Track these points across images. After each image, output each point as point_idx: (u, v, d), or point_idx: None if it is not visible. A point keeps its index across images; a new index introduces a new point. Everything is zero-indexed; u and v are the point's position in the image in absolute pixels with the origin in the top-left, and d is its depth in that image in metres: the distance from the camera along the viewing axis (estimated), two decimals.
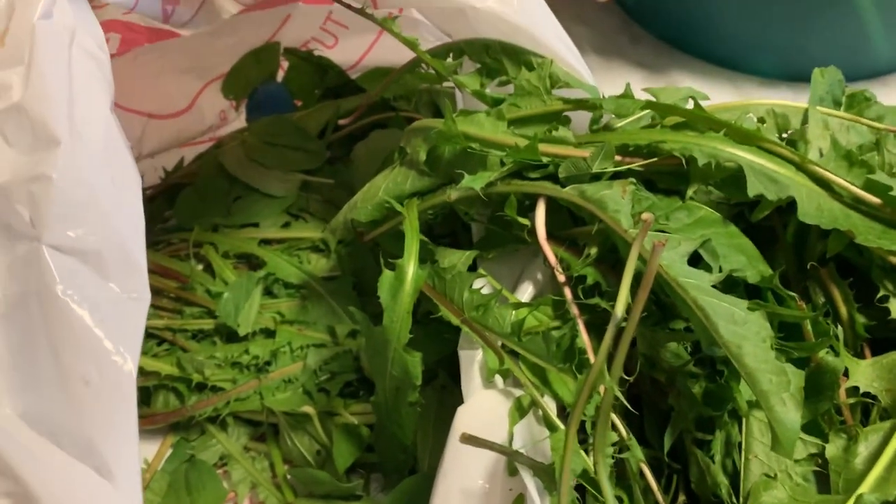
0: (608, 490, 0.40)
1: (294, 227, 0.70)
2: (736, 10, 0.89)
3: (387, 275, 0.49)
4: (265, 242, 0.69)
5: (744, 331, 0.39)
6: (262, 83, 0.75)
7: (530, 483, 0.40)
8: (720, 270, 0.45)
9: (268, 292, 0.66)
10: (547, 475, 0.41)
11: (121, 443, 0.32)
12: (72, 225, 0.34)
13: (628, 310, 0.37)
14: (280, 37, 0.72)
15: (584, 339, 0.46)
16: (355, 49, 0.74)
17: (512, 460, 0.41)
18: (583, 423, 0.46)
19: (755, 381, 0.37)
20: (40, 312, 0.33)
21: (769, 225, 0.52)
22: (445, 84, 0.70)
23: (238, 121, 0.77)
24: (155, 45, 0.63)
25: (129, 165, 0.36)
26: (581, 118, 0.55)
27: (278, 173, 0.72)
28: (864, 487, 0.39)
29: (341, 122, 0.69)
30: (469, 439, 0.39)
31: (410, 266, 0.49)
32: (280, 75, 0.76)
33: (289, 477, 0.59)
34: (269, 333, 0.64)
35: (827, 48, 0.89)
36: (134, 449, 0.32)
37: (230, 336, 0.64)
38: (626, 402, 0.42)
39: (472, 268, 0.54)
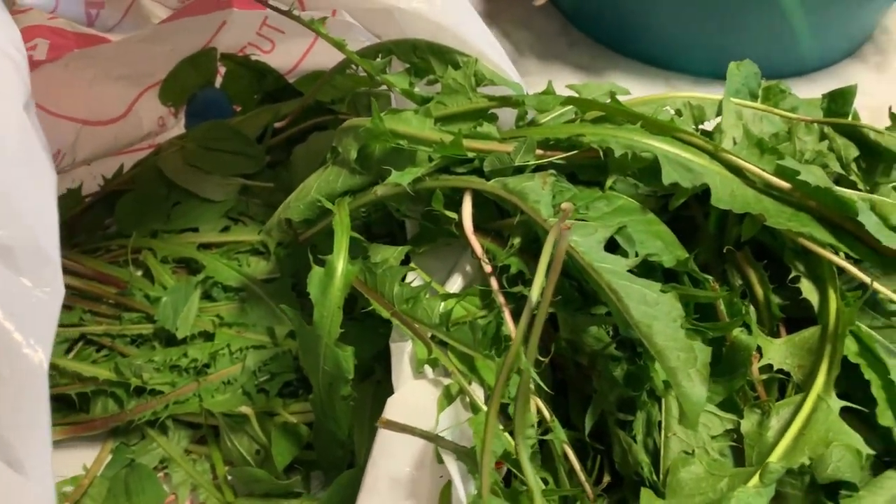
0: (529, 470, 0.41)
1: (233, 231, 0.70)
2: (669, 12, 0.92)
3: (316, 271, 0.50)
4: (204, 247, 0.69)
5: (655, 311, 0.41)
6: (201, 89, 0.75)
7: (453, 468, 0.41)
8: (637, 256, 0.46)
9: (207, 296, 0.66)
10: (470, 459, 0.42)
11: (32, 435, 0.32)
12: None
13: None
14: (216, 42, 0.72)
15: (510, 326, 0.47)
16: (292, 53, 0.75)
17: (437, 446, 0.42)
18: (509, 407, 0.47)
19: (664, 359, 0.39)
20: None
21: (691, 215, 0.54)
22: (383, 87, 0.71)
23: (177, 127, 0.77)
24: (87, 51, 0.63)
25: (43, 164, 0.36)
26: (508, 115, 0.57)
27: (217, 178, 0.72)
28: (773, 457, 0.41)
29: (278, 125, 0.69)
30: (389, 424, 0.39)
31: (340, 262, 0.50)
32: (218, 81, 0.76)
33: (229, 477, 0.59)
34: (208, 336, 0.64)
35: (755, 47, 0.92)
36: (46, 441, 0.32)
37: (169, 340, 0.64)
38: (542, 384, 0.43)
39: (406, 263, 0.55)
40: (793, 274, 0.48)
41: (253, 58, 0.75)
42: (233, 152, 0.73)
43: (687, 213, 0.54)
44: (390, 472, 0.44)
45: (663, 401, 0.45)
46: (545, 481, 0.46)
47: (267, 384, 0.61)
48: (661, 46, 0.95)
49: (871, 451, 0.41)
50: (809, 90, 0.77)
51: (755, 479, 0.39)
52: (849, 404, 0.43)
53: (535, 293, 0.41)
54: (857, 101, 0.63)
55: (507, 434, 0.43)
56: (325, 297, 0.49)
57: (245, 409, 0.58)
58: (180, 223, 0.70)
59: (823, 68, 0.97)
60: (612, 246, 0.47)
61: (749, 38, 0.92)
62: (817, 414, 0.42)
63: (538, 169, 0.51)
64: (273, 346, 0.63)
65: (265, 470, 0.57)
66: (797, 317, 0.49)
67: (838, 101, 0.61)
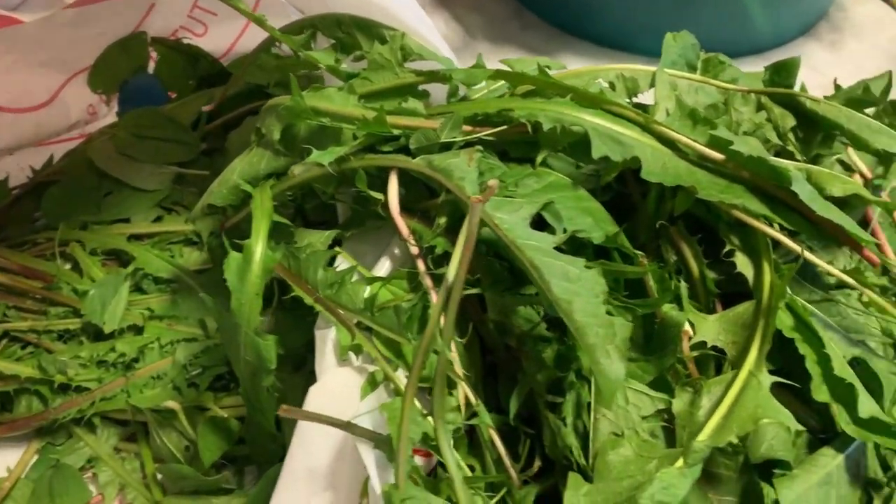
0: (449, 456, 0.39)
1: (166, 221, 0.68)
2: None
3: (233, 257, 0.47)
4: (136, 238, 0.67)
5: (576, 287, 0.39)
6: (132, 75, 0.73)
7: (368, 456, 0.39)
8: (564, 232, 0.44)
9: (138, 288, 0.64)
10: (388, 446, 0.40)
11: None
12: None
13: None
14: (146, 26, 0.70)
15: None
16: (226, 36, 0.72)
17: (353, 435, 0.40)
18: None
19: (583, 335, 0.37)
20: None
21: (628, 192, 0.53)
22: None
23: (110, 116, 0.74)
24: (3, 35, 0.60)
25: None
26: (441, 92, 0.55)
27: (150, 167, 0.69)
28: (701, 436, 0.39)
29: (206, 108, 0.67)
30: (289, 411, 0.37)
31: (258, 247, 0.48)
32: (151, 67, 0.74)
33: (158, 476, 0.57)
34: (138, 330, 0.61)
35: (710, 27, 0.91)
36: None
37: (97, 335, 0.61)
38: (464, 367, 0.41)
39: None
40: (727, 247, 0.46)
41: (185, 41, 0.72)
42: (166, 140, 0.70)
43: (626, 190, 0.53)
44: (308, 464, 0.42)
45: (592, 381, 0.44)
46: (472, 468, 0.44)
47: (198, 378, 0.59)
48: (615, 27, 0.94)
49: (801, 428, 0.39)
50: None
51: (681, 460, 0.37)
52: (780, 380, 0.41)
53: (451, 272, 0.39)
54: (810, 79, 0.62)
55: (428, 419, 0.41)
56: (243, 283, 0.47)
57: (172, 404, 0.56)
58: (111, 214, 0.68)
59: (778, 47, 0.96)
60: (543, 224, 0.45)
61: (703, 17, 0.91)
62: (747, 391, 0.40)
63: (467, 146, 0.49)
64: (205, 339, 0.61)
65: (195, 467, 0.55)
66: (734, 292, 0.47)
67: (781, 73, 0.59)
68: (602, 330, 0.37)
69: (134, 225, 0.67)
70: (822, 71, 0.91)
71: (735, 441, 0.38)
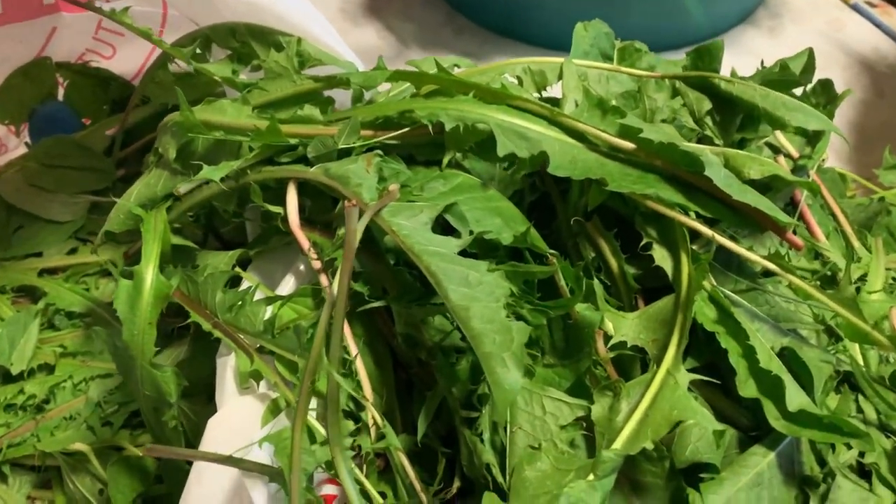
0: (348, 484, 0.36)
1: (81, 253, 0.64)
2: None
3: (123, 285, 0.44)
4: (49, 272, 0.63)
5: (475, 292, 0.36)
6: (41, 103, 0.69)
7: (257, 493, 0.36)
8: (471, 234, 0.42)
9: (51, 325, 0.61)
10: (281, 478, 0.36)
11: None
12: None
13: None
14: (50, 51, 0.67)
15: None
16: (135, 57, 0.69)
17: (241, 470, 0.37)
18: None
19: (479, 344, 0.34)
20: None
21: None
22: None
23: (21, 147, 0.71)
24: None
25: None
26: (349, 98, 0.52)
27: (63, 197, 0.66)
28: (616, 444, 0.36)
29: (108, 132, 0.64)
30: (151, 450, 0.34)
31: (149, 273, 0.45)
32: (62, 93, 0.70)
33: None
34: (50, 369, 0.58)
35: (644, 20, 0.89)
36: None
37: (6, 377, 0.58)
38: (367, 387, 0.39)
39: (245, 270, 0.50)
40: (644, 240, 0.44)
41: (93, 65, 0.69)
42: (78, 168, 0.67)
43: (543, 189, 0.50)
44: (201, 502, 0.39)
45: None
46: (384, 495, 0.41)
47: (113, 416, 0.56)
48: (548, 27, 0.92)
49: (721, 427, 0.37)
50: None
51: (591, 474, 0.34)
52: (698, 377, 0.38)
53: (335, 287, 0.36)
54: (750, 65, 0.60)
55: (326, 447, 0.38)
56: (134, 313, 0.44)
57: (80, 446, 0.52)
58: (22, 249, 0.65)
59: (716, 35, 0.94)
60: (453, 228, 0.43)
61: (637, 12, 0.89)
62: (664, 391, 0.37)
63: (369, 151, 0.46)
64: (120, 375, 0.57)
65: None
66: (656, 287, 0.45)
67: (704, 59, 0.57)
68: (499, 337, 0.34)
69: (46, 259, 0.64)
70: (761, 56, 0.90)
71: (650, 447, 0.35)
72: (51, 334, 0.60)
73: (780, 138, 0.55)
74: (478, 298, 0.36)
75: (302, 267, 0.48)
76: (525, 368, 0.36)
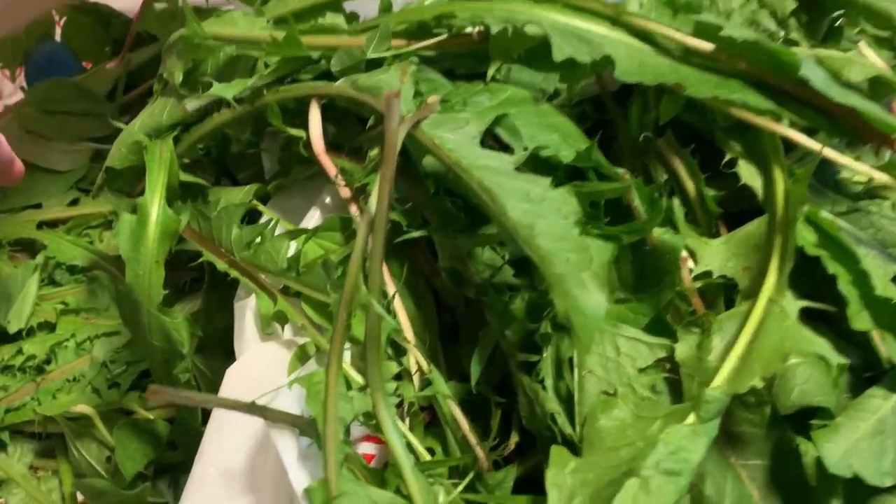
0: (392, 435, 0.30)
1: (83, 204, 0.59)
2: None
3: (125, 220, 0.39)
4: (48, 224, 0.58)
5: (539, 209, 0.30)
6: (37, 44, 0.64)
7: (285, 446, 0.30)
8: (525, 151, 0.36)
9: (51, 281, 0.55)
10: (313, 430, 0.31)
11: None
12: None
13: None
14: None
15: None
16: None
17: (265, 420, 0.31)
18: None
19: (549, 265, 0.28)
20: None
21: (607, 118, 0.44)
22: None
23: (17, 93, 0.66)
24: None
25: None
26: (373, 7, 0.46)
27: (62, 145, 0.61)
28: (716, 383, 0.30)
29: (109, 66, 0.58)
30: (156, 394, 0.28)
31: (155, 205, 0.39)
32: (59, 34, 0.65)
33: (79, 496, 0.48)
34: (51, 328, 0.53)
35: None
36: None
37: (3, 337, 0.53)
38: (408, 329, 0.33)
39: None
40: (728, 156, 0.38)
41: (92, 0, 0.63)
42: (79, 114, 0.62)
43: (604, 117, 0.44)
44: (221, 461, 0.33)
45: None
46: (433, 452, 0.35)
47: (120, 377, 0.50)
48: None
49: (844, 360, 0.30)
50: None
51: (691, 416, 0.28)
52: (810, 304, 0.32)
53: (373, 202, 0.30)
54: None
55: (366, 393, 0.32)
56: (139, 250, 0.38)
57: (84, 409, 0.47)
58: (20, 200, 0.59)
59: None
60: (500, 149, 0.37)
61: None
62: (769, 322, 0.31)
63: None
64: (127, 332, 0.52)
65: (119, 480, 0.47)
66: (740, 211, 0.39)
67: None
68: (573, 255, 0.28)
69: (45, 210, 0.58)
70: None
71: (760, 385, 0.29)
72: (51, 290, 0.55)
73: (865, 51, 0.48)
74: (543, 215, 0.30)
75: (328, 200, 0.42)
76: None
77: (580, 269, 0.28)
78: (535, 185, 0.32)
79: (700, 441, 0.27)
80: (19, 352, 0.51)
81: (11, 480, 0.49)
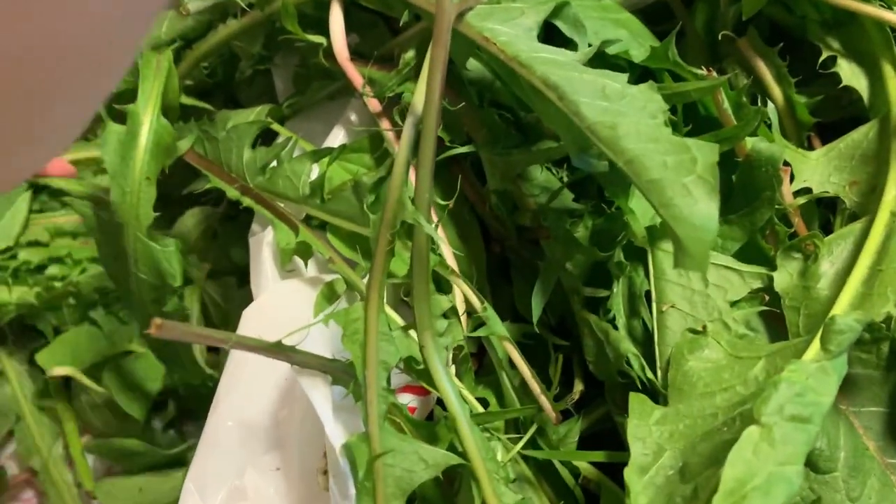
0: (444, 382, 0.25)
1: (76, 149, 0.52)
2: None
3: (111, 129, 0.33)
4: None
5: (620, 106, 0.25)
6: None
7: (316, 395, 0.25)
8: (589, 47, 0.30)
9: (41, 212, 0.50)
10: (351, 378, 0.26)
11: None
12: None
13: None
14: None
15: (410, 176, 0.31)
16: None
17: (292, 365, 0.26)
18: None
19: (641, 170, 0.23)
20: None
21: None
22: None
23: None
24: None
25: None
26: None
27: None
28: (838, 309, 0.25)
29: None
30: (163, 327, 0.23)
31: (147, 114, 0.33)
32: None
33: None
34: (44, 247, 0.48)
35: None
36: None
37: None
38: (438, 236, 0.28)
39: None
40: (825, 54, 0.32)
41: None
42: None
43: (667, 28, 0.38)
44: (240, 412, 0.28)
45: (650, 258, 0.30)
46: (486, 403, 0.30)
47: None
48: None
49: None
50: None
51: (814, 349, 0.23)
52: None
53: (417, 98, 0.25)
54: None
55: (410, 334, 0.27)
56: (127, 164, 0.33)
57: (66, 371, 0.42)
58: None
59: None
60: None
61: None
62: (894, 238, 0.26)
63: None
64: None
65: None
66: (835, 121, 0.33)
67: None
68: (672, 158, 0.23)
69: None
70: None
71: (894, 312, 0.24)
72: (44, 215, 0.49)
73: None
74: (626, 113, 0.25)
75: (354, 117, 0.37)
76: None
77: (682, 174, 0.22)
78: (612, 80, 0.26)
79: (830, 380, 0.22)
80: (13, 256, 0.46)
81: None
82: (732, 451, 0.21)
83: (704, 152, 0.23)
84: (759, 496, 0.19)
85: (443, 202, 0.29)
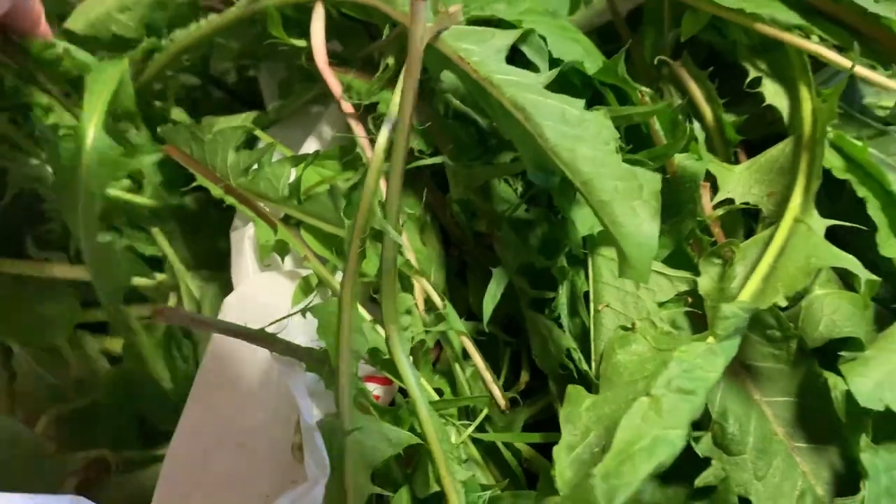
0: (407, 371, 0.29)
1: None
2: None
3: (57, 144, 0.36)
4: None
5: (579, 131, 0.28)
6: None
7: (292, 377, 0.29)
8: (551, 69, 0.33)
9: None
10: (324, 365, 0.29)
11: None
12: None
13: None
14: None
15: (382, 182, 0.34)
16: None
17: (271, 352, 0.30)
18: None
19: (594, 191, 0.26)
20: None
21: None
22: None
23: None
24: None
25: None
26: None
27: None
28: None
29: None
30: (167, 315, 0.27)
31: (91, 129, 0.36)
32: None
33: None
34: None
35: None
36: None
37: None
38: (403, 242, 0.31)
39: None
40: (752, 75, 0.36)
41: None
42: None
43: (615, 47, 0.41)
44: (216, 406, 0.32)
45: (590, 264, 0.33)
46: (441, 393, 0.34)
47: None
48: None
49: (873, 277, 0.29)
50: None
51: (710, 335, 0.27)
52: (836, 222, 0.31)
53: (393, 106, 0.28)
54: None
55: (377, 328, 0.31)
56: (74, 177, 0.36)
57: None
58: None
59: None
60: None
61: None
62: (794, 240, 0.30)
63: None
64: None
65: None
66: (758, 137, 0.37)
67: None
68: (621, 183, 0.26)
69: None
70: None
71: (783, 303, 0.28)
72: None
73: None
74: (583, 139, 0.28)
75: (326, 128, 0.40)
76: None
77: (630, 198, 0.26)
78: (571, 105, 0.29)
79: (717, 360, 0.26)
80: None
81: None
82: (623, 418, 0.25)
83: (649, 180, 0.26)
84: (644, 455, 0.23)
85: (409, 210, 0.32)
